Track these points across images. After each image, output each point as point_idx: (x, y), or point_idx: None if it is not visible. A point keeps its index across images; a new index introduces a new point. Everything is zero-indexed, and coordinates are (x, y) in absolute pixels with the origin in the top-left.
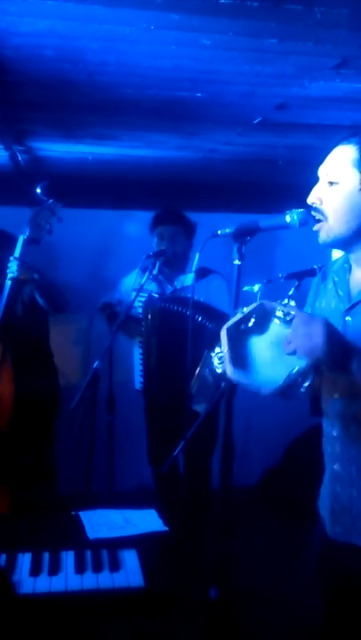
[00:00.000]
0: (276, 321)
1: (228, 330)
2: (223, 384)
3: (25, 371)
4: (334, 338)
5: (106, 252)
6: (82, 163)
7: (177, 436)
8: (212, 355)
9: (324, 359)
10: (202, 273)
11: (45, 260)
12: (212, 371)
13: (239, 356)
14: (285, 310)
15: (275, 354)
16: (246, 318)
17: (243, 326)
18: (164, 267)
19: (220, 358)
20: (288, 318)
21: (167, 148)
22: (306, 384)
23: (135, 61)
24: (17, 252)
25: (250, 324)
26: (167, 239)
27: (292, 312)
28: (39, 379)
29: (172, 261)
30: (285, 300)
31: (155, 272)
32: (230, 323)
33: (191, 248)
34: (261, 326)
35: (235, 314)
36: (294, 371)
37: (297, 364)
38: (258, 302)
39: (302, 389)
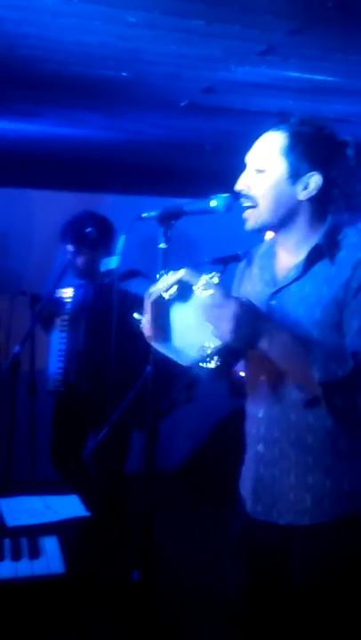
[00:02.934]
0: (198, 291)
1: (151, 298)
2: (148, 368)
3: None
4: (243, 321)
5: (26, 235)
6: (3, 139)
7: (82, 438)
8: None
9: (232, 343)
10: (128, 275)
11: None
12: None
13: (161, 324)
14: (206, 284)
15: (196, 322)
16: (170, 287)
17: (166, 295)
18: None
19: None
20: (209, 291)
21: (92, 127)
22: (213, 361)
23: (58, 36)
24: None
25: (173, 293)
26: (73, 256)
27: (211, 289)
28: None
29: (87, 270)
30: (209, 275)
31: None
32: (154, 292)
33: (106, 246)
34: (186, 294)
35: (158, 278)
36: (206, 349)
37: (212, 339)
38: (182, 271)
39: (214, 364)
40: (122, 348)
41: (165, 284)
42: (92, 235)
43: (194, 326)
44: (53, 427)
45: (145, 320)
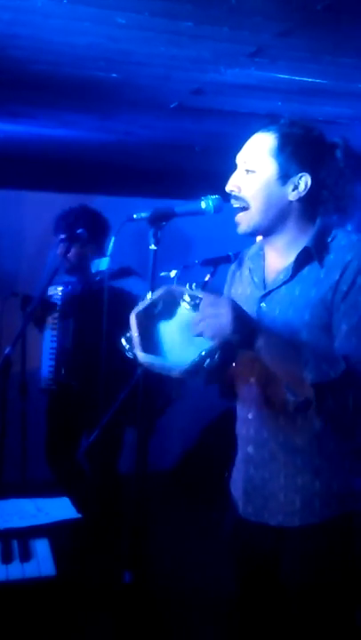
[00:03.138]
0: (183, 305)
1: (136, 315)
2: (139, 370)
3: None
4: (241, 316)
5: (18, 236)
6: None
7: (75, 437)
8: (122, 340)
9: (231, 338)
10: (119, 273)
11: None
12: None
13: (149, 340)
14: (192, 294)
15: (184, 337)
16: (154, 303)
17: (151, 312)
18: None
19: (129, 343)
20: (195, 302)
21: (82, 128)
22: (211, 362)
23: (48, 37)
24: None
25: (158, 310)
26: (65, 249)
27: (199, 295)
28: None
29: (79, 264)
30: (193, 285)
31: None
32: (139, 308)
33: (98, 244)
34: (170, 311)
35: (143, 299)
36: (203, 353)
37: (205, 346)
38: (165, 287)
39: (207, 367)
40: (113, 345)
41: (150, 300)
42: (83, 235)
43: (181, 345)
44: (47, 426)
45: (133, 337)
